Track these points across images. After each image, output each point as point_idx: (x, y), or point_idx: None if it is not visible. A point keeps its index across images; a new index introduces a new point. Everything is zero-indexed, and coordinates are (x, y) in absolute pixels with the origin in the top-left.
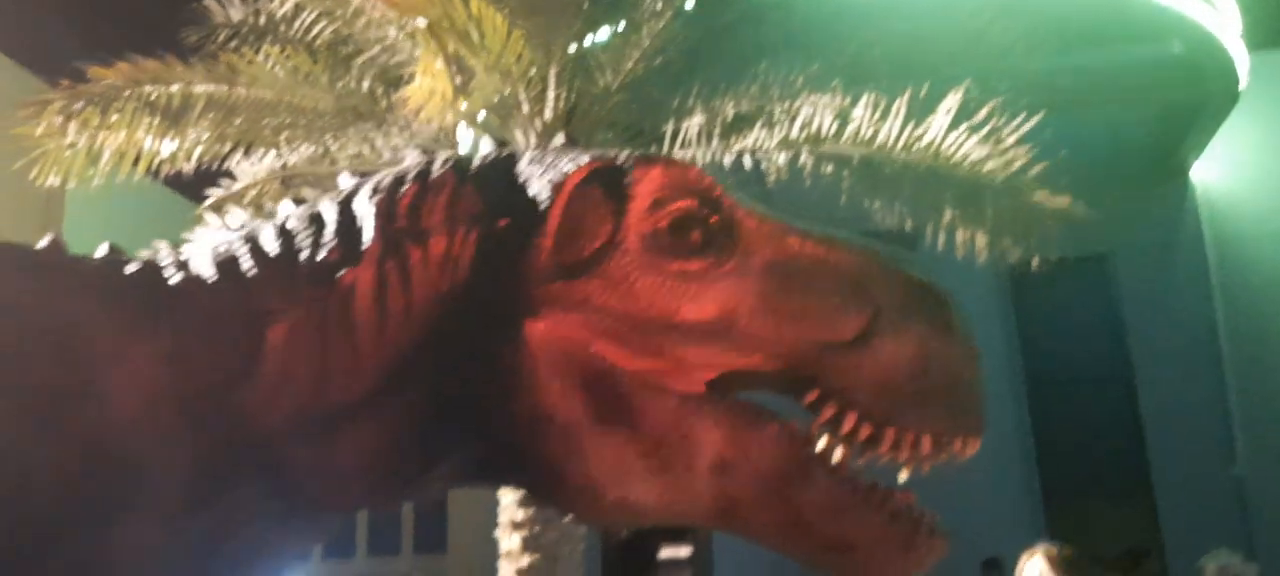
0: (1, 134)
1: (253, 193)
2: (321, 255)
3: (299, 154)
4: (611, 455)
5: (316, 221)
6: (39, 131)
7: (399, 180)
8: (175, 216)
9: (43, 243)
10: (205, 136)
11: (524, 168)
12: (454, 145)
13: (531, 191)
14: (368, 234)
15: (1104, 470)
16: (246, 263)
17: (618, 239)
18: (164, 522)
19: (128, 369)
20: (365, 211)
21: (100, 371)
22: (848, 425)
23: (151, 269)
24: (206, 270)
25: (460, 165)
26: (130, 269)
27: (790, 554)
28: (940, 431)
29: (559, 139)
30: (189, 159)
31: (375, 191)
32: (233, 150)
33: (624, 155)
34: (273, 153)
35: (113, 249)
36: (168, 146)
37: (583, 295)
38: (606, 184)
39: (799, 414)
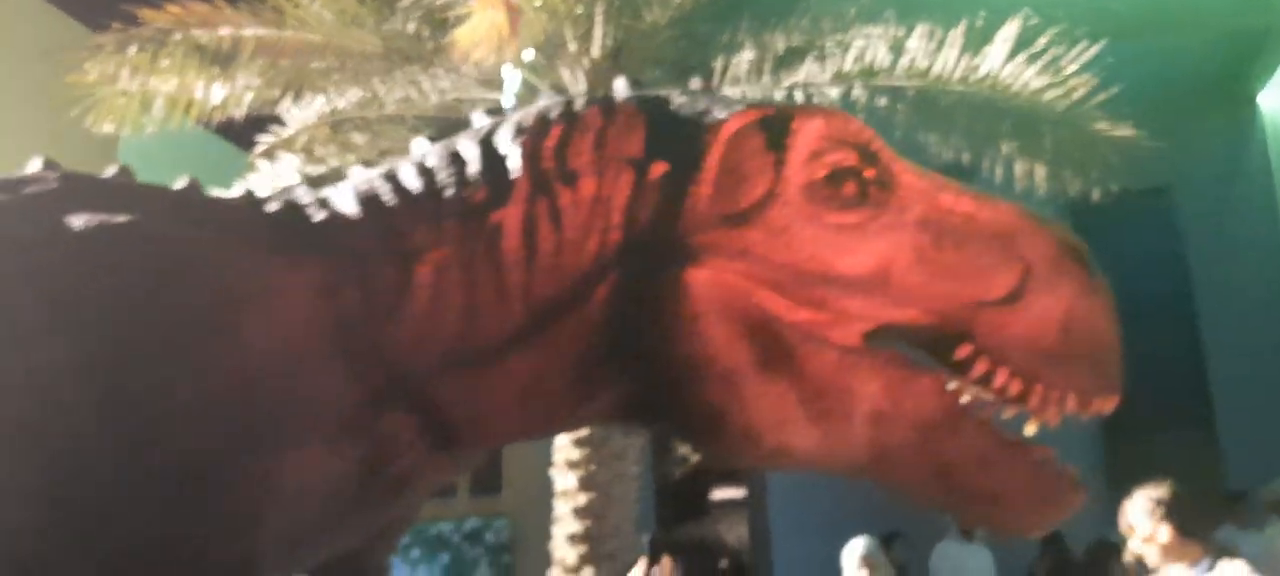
0: (51, 83)
1: (303, 139)
2: (467, 194)
3: (347, 98)
4: (772, 403)
5: (457, 160)
6: (91, 77)
7: (543, 119)
8: (227, 165)
9: (180, 183)
10: (255, 82)
11: (674, 111)
12: (500, 87)
13: (685, 136)
14: (514, 173)
15: (1166, 403)
16: (389, 200)
17: (778, 189)
18: (326, 449)
19: (282, 302)
20: (509, 150)
21: (256, 305)
22: (999, 381)
23: (292, 207)
24: (349, 207)
25: (606, 105)
26: (271, 207)
27: (937, 502)
28: (1084, 389)
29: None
30: (239, 105)
31: (519, 130)
32: (282, 96)
33: (783, 104)
34: (321, 98)
35: (247, 189)
36: (218, 92)
37: (744, 244)
38: (766, 133)
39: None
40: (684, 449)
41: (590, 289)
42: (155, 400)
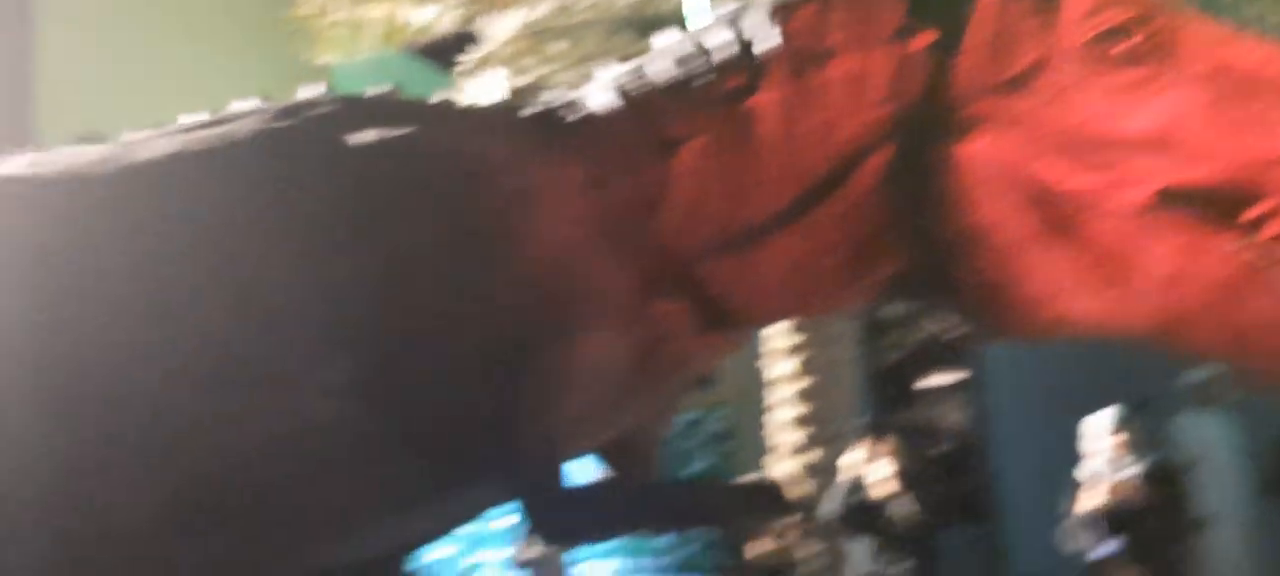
0: (267, 18)
1: (505, 53)
2: (722, 80)
3: (542, 8)
4: (1053, 272)
5: (708, 48)
6: (305, 10)
7: None
8: (429, 86)
9: (436, 98)
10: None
11: None
12: None
13: (946, 3)
14: (767, 57)
15: None
16: (643, 94)
17: (1051, 52)
18: (607, 336)
19: (556, 199)
20: (760, 33)
21: (534, 203)
22: None
23: (548, 110)
24: (604, 104)
25: None
26: (526, 111)
27: (1231, 363)
28: None
29: None
30: (444, 24)
31: (773, 11)
32: (483, 12)
33: None
34: (521, 11)
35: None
36: (424, 15)
37: (1018, 112)
38: None
39: None
40: (893, 336)
41: (856, 167)
42: (451, 299)
